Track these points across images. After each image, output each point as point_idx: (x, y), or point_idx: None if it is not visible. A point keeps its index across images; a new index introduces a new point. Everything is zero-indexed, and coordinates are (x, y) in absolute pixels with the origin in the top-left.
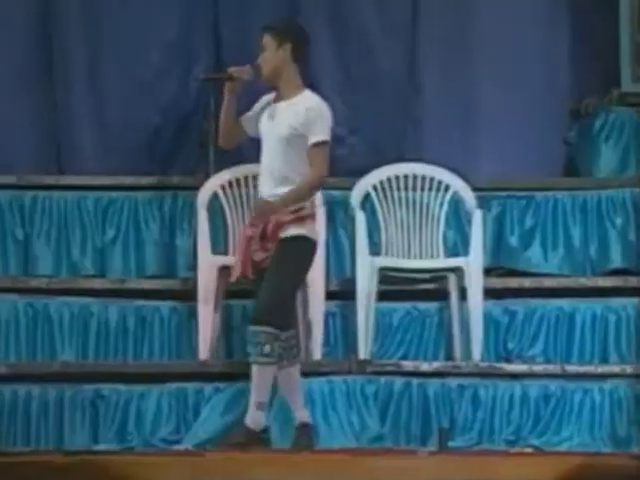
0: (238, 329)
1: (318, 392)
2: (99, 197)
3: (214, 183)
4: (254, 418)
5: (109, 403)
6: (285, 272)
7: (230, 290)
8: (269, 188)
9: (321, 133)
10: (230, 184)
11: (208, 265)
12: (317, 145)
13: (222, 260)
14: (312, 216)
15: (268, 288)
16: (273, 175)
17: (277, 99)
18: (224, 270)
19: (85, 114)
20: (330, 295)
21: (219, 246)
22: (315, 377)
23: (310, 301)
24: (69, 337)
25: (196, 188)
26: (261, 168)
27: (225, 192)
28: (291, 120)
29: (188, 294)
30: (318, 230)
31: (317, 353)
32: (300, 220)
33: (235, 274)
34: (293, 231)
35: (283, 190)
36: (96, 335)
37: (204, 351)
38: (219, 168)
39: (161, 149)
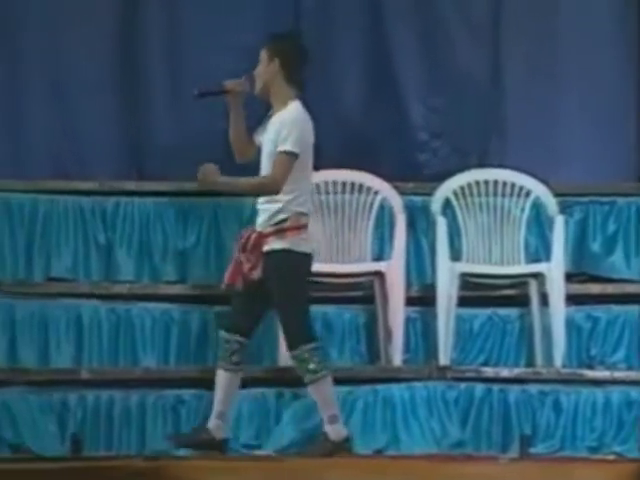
0: (319, 335)
1: (398, 398)
2: (180, 203)
3: None
4: (334, 430)
5: (190, 408)
6: (285, 292)
7: (310, 296)
8: (265, 213)
9: (288, 143)
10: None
11: None
12: (281, 153)
13: None
14: (296, 228)
15: (288, 313)
16: (265, 199)
17: (271, 114)
18: None
19: (165, 120)
20: (410, 301)
21: None
22: (395, 383)
23: (390, 307)
24: (150, 343)
25: None
26: None
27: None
28: (270, 135)
29: None
30: (307, 240)
31: (397, 359)
32: (281, 232)
33: (225, 283)
34: (275, 245)
35: (271, 206)
36: (177, 341)
37: (284, 357)
38: None
39: None
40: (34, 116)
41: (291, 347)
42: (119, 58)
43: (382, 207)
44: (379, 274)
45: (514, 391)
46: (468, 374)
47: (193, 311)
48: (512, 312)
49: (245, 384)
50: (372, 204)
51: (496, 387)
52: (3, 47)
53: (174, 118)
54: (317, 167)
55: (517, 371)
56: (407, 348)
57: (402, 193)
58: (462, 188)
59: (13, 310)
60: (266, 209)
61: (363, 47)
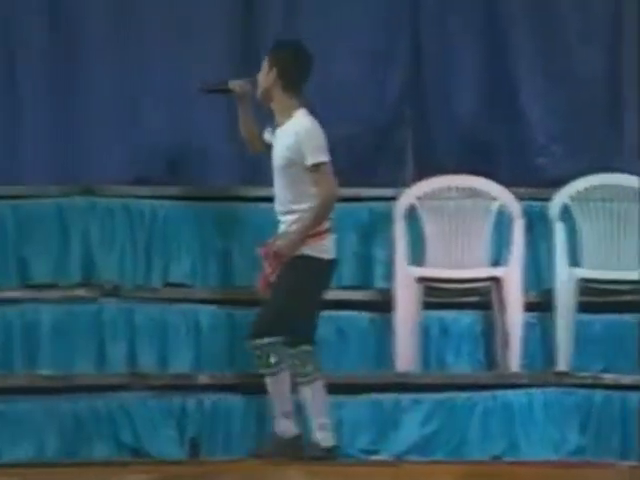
0: (436, 340)
1: (516, 404)
2: None
3: (412, 194)
4: (281, 427)
5: None
6: (286, 289)
7: (427, 302)
8: (284, 224)
9: (314, 155)
10: (428, 195)
11: (405, 276)
12: (316, 166)
13: (419, 271)
14: (318, 234)
15: (268, 304)
16: (283, 207)
17: (277, 125)
18: (421, 281)
19: None
20: (528, 306)
21: (416, 257)
22: (513, 389)
23: (508, 313)
24: None
25: (394, 199)
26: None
27: (422, 203)
28: (283, 149)
29: (385, 305)
30: (328, 246)
31: (515, 365)
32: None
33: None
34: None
35: (289, 225)
36: None
37: (402, 362)
38: (417, 179)
39: (358, 160)
40: (151, 122)
41: (255, 336)
42: (242, 62)
43: (500, 212)
44: (497, 280)
45: (635, 398)
46: (587, 380)
47: None
48: (632, 318)
49: (363, 390)
50: (490, 209)
51: (616, 394)
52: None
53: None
54: (435, 172)
55: (638, 378)
56: (525, 354)
57: (520, 198)
58: (580, 193)
59: (132, 315)
60: (285, 220)
61: (480, 50)
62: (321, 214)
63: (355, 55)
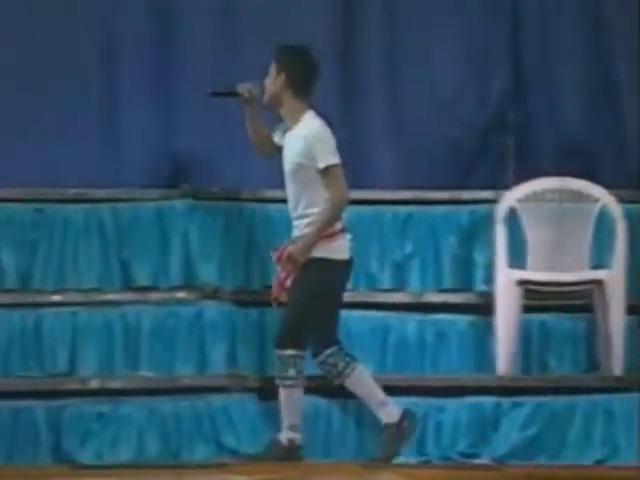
0: (537, 343)
1: (618, 408)
2: (397, 211)
3: (512, 197)
4: (288, 435)
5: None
6: (304, 294)
7: (528, 305)
8: (297, 229)
9: (325, 158)
10: (528, 197)
11: (506, 279)
12: (327, 169)
13: (520, 274)
14: (331, 235)
15: (288, 312)
16: (295, 212)
17: (286, 129)
18: (522, 284)
19: (384, 129)
20: (630, 309)
21: (517, 260)
22: (615, 393)
23: (610, 316)
24: (369, 350)
25: (494, 201)
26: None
27: (523, 206)
28: (293, 154)
29: (486, 308)
30: (343, 246)
31: (617, 368)
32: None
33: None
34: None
35: (301, 229)
36: (394, 348)
37: (502, 365)
38: (518, 181)
39: (459, 163)
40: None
41: (278, 346)
42: (338, 68)
43: (601, 215)
44: (599, 283)
45: None
46: None
47: (410, 319)
48: None
49: (463, 393)
50: (591, 212)
51: None
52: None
53: (392, 127)
54: (536, 175)
55: None
56: (627, 357)
57: (622, 201)
58: None
59: (232, 317)
60: (298, 224)
61: (581, 53)
62: (333, 216)
63: (457, 58)
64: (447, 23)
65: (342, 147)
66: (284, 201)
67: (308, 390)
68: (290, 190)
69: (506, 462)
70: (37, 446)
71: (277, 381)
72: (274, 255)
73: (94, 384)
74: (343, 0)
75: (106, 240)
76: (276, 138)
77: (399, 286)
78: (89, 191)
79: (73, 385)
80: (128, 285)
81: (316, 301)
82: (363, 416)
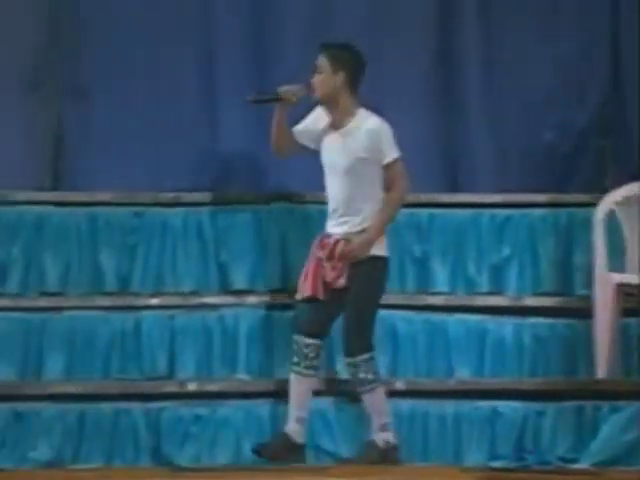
0: (635, 347)
1: None
2: (495, 214)
3: (611, 200)
4: (383, 438)
5: (506, 420)
6: (369, 293)
7: (627, 308)
8: (347, 225)
9: (391, 151)
10: (627, 200)
11: (605, 282)
12: (393, 163)
13: (619, 277)
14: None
15: (353, 315)
16: (346, 209)
17: (331, 126)
18: (621, 287)
19: (481, 132)
20: None
21: (616, 263)
22: None
23: None
24: (466, 354)
25: (593, 205)
26: (329, 203)
27: (622, 208)
28: (352, 148)
29: (584, 311)
30: (386, 243)
31: None
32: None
33: (303, 294)
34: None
35: (355, 225)
36: (492, 352)
37: (601, 369)
38: (617, 184)
39: (557, 166)
40: None
41: (352, 354)
42: (436, 72)
43: None
44: None
45: None
46: None
47: (507, 322)
48: None
49: (562, 397)
50: None
51: None
52: None
53: (489, 131)
54: (635, 178)
55: None
56: None
57: None
58: None
59: None
60: (348, 220)
61: None
62: (397, 210)
63: (554, 60)
64: (544, 23)
65: (440, 151)
66: None
67: (407, 394)
68: (341, 186)
69: (606, 467)
70: (136, 448)
71: (358, 389)
72: (321, 252)
73: (192, 387)
74: (438, 3)
75: (204, 243)
76: (301, 137)
77: (497, 289)
78: (187, 195)
79: (171, 388)
80: (226, 289)
81: (377, 300)
82: (461, 418)
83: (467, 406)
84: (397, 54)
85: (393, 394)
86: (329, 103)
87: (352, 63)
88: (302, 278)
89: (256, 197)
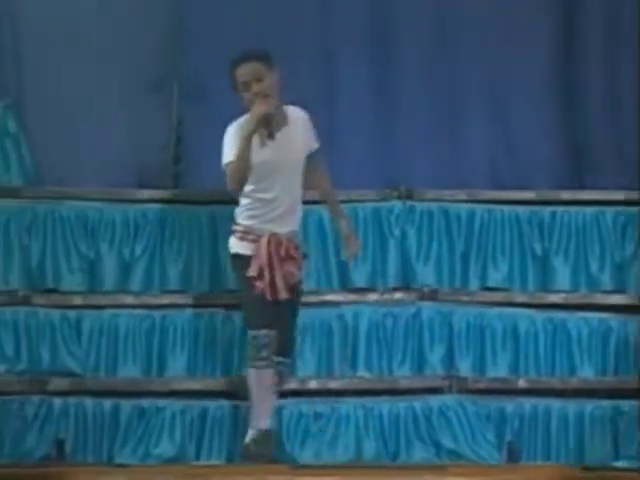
0: None
1: None
2: (618, 212)
3: None
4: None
5: (629, 419)
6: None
7: None
8: (292, 222)
9: (317, 137)
10: None
11: None
12: (319, 149)
13: None
14: None
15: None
16: (292, 205)
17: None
18: None
19: (606, 128)
20: None
21: None
22: None
23: None
24: (587, 352)
25: None
26: (269, 204)
27: None
28: (300, 143)
29: None
30: None
31: None
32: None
33: (276, 296)
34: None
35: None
36: (615, 351)
37: None
38: None
39: None
40: (473, 127)
41: (290, 354)
42: (557, 65)
43: None
44: None
45: None
46: None
47: (630, 321)
48: None
49: None
50: None
51: None
52: (445, 60)
53: (614, 130)
54: None
55: None
56: None
57: None
58: None
59: (450, 318)
60: (292, 218)
61: None
62: None
63: None
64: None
65: (562, 147)
66: (499, 202)
67: (529, 392)
68: (289, 183)
69: None
70: None
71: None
72: (281, 251)
73: (313, 384)
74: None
75: (325, 241)
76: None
77: (619, 288)
78: (306, 192)
79: (292, 385)
80: (346, 286)
81: None
82: (583, 417)
83: (589, 405)
84: (521, 51)
85: (515, 392)
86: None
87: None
88: (266, 280)
89: (376, 195)
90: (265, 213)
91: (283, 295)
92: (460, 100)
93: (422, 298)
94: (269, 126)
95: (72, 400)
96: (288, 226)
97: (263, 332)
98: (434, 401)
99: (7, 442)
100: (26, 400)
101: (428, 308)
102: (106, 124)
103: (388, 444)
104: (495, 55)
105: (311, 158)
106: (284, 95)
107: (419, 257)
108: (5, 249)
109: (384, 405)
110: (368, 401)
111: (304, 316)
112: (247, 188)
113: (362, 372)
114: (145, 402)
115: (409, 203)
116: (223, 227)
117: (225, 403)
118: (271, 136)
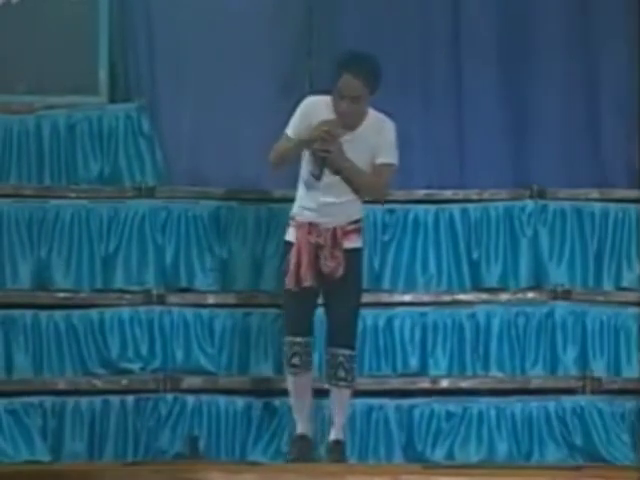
0: None
1: None
2: None
3: None
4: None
5: None
6: (358, 290)
7: None
8: (336, 216)
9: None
10: None
11: None
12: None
13: None
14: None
15: (351, 310)
16: (341, 201)
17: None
18: None
19: None
20: None
21: None
22: None
23: None
24: None
25: None
26: (315, 194)
27: None
28: (365, 148)
29: None
30: None
31: None
32: (358, 231)
33: (298, 284)
34: (356, 243)
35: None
36: None
37: None
38: None
39: None
40: (606, 125)
41: (346, 346)
42: None
43: None
44: None
45: None
46: None
47: None
48: None
49: None
50: None
51: None
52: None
53: None
54: None
55: None
56: None
57: None
58: None
59: (584, 318)
60: (342, 209)
61: None
62: (377, 191)
63: None
64: None
65: None
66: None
67: None
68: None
69: None
70: (388, 444)
71: (332, 382)
72: (318, 239)
73: (445, 384)
74: None
75: (457, 241)
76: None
77: None
78: (438, 192)
79: (424, 384)
80: (478, 286)
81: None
82: None
83: None
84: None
85: None
86: None
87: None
88: (291, 267)
89: (508, 194)
90: (309, 202)
91: (307, 283)
92: (592, 98)
93: (555, 298)
94: (322, 164)
95: (205, 398)
96: (335, 219)
97: (293, 339)
98: (568, 401)
99: (142, 440)
100: (160, 398)
101: (561, 308)
102: (239, 125)
103: (521, 444)
104: (629, 58)
105: (375, 168)
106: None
107: (552, 256)
108: (140, 249)
109: (516, 405)
110: (500, 401)
111: (435, 315)
112: (302, 174)
113: (494, 372)
114: (277, 401)
115: (541, 202)
116: None
117: (358, 402)
118: (318, 177)
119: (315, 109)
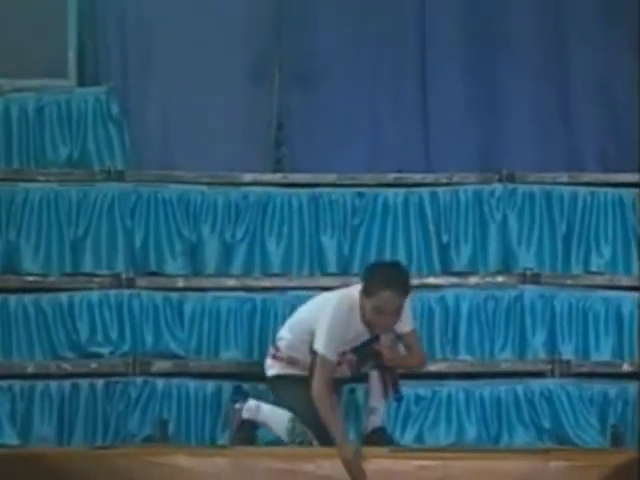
0: None
1: None
2: None
3: None
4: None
5: None
6: None
7: None
8: None
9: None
10: None
11: None
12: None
13: None
14: None
15: None
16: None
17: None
18: None
19: None
20: None
21: None
22: None
23: None
24: None
25: None
26: None
27: None
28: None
29: None
30: None
31: None
32: None
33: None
34: None
35: None
36: None
37: None
38: None
39: None
40: (578, 110)
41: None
42: None
43: None
44: None
45: None
46: None
47: None
48: None
49: None
50: None
51: None
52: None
53: None
54: None
55: None
56: None
57: None
58: None
59: (553, 302)
60: None
61: None
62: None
63: None
64: None
65: None
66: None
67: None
68: None
69: None
70: (358, 427)
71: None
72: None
73: None
74: None
75: (426, 225)
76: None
77: None
78: (407, 176)
79: None
80: (447, 270)
81: None
82: None
83: None
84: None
85: (619, 376)
86: None
87: None
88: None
89: (477, 178)
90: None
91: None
92: (562, 81)
93: (524, 281)
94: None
95: (175, 381)
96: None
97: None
98: (536, 385)
99: (111, 423)
100: (129, 382)
101: (530, 291)
102: (209, 109)
103: (490, 428)
104: (601, 42)
105: (404, 338)
106: None
107: (521, 240)
108: (109, 232)
109: (485, 388)
110: (470, 384)
111: None
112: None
113: (463, 355)
114: (246, 385)
115: (510, 186)
116: (326, 210)
117: None
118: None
119: (348, 323)
